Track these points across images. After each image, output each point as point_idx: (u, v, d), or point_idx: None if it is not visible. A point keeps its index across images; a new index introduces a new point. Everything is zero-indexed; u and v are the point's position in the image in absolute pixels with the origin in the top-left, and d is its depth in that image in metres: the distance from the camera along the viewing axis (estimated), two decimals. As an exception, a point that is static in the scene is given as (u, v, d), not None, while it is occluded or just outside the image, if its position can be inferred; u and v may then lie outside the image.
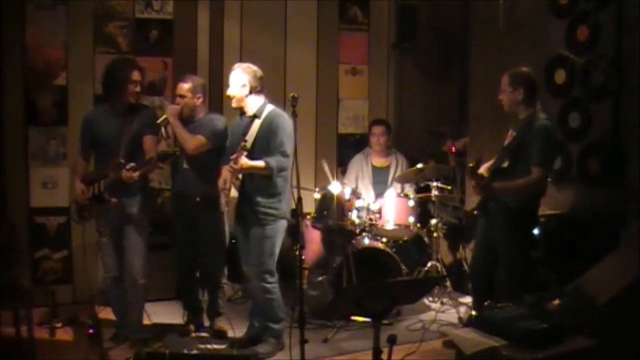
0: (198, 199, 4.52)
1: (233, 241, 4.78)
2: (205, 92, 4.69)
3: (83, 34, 5.31)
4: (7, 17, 5.07)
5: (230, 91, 4.26)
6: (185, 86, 4.55)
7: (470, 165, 4.27)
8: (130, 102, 4.27)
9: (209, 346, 4.39)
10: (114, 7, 5.38)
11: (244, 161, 4.05)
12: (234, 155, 4.08)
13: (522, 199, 4.08)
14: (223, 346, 4.45)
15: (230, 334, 4.53)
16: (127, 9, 5.42)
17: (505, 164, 4.12)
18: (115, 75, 4.28)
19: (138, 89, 4.29)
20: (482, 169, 4.30)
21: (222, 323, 4.73)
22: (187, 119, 4.56)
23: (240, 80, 4.22)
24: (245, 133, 4.24)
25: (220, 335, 4.62)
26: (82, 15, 5.29)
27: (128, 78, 4.23)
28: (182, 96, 4.55)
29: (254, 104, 4.27)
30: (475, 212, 4.41)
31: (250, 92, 4.23)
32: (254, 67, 4.28)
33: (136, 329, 4.42)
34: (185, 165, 4.51)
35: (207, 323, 4.81)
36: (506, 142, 4.20)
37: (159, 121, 4.42)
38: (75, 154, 4.62)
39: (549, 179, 4.87)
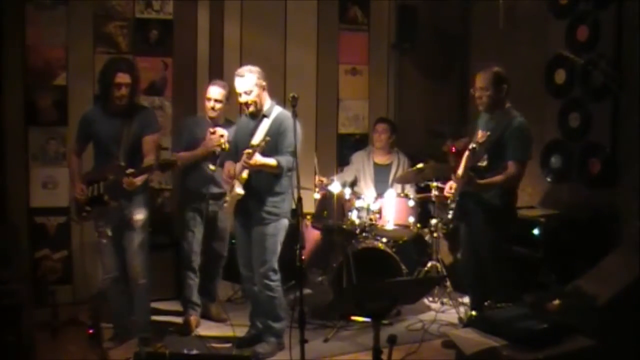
0: (226, 197, 4.61)
1: (233, 241, 4.80)
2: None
3: (83, 34, 5.31)
4: (7, 17, 5.07)
5: (247, 97, 4.21)
6: (223, 92, 4.70)
7: (473, 146, 4.23)
8: (117, 104, 4.22)
9: (208, 345, 4.41)
10: (114, 7, 5.38)
11: (258, 158, 4.07)
12: (248, 151, 4.08)
13: (498, 198, 4.13)
14: (226, 345, 4.46)
15: (229, 323, 4.62)
16: (127, 9, 5.42)
17: (484, 163, 4.15)
18: (102, 78, 4.28)
19: (123, 91, 4.18)
20: (460, 170, 4.34)
21: (218, 309, 4.93)
22: (213, 123, 4.69)
23: (253, 82, 4.20)
24: (253, 133, 4.25)
25: (220, 320, 4.83)
26: (82, 15, 5.29)
27: (111, 81, 4.18)
28: (218, 100, 4.70)
29: (263, 102, 4.29)
30: (450, 217, 4.45)
31: (264, 90, 4.27)
32: (257, 67, 4.28)
33: (141, 327, 4.42)
34: (211, 167, 4.58)
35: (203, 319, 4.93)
36: (480, 141, 4.21)
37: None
38: (69, 150, 4.64)
39: (548, 179, 4.89)
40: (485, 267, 4.22)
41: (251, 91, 4.20)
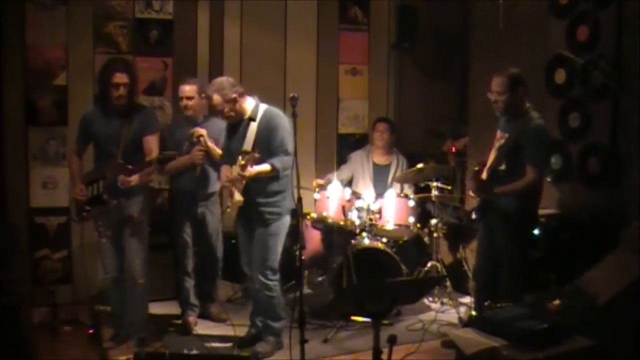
0: (212, 198, 4.75)
1: (233, 241, 4.80)
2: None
3: (83, 34, 5.31)
4: (7, 17, 5.06)
5: (221, 113, 4.22)
6: (193, 88, 4.67)
7: (475, 169, 4.23)
8: (116, 104, 4.23)
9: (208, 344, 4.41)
10: (114, 7, 5.38)
11: (251, 169, 4.07)
12: (242, 162, 4.06)
13: (519, 201, 4.07)
14: (227, 344, 4.46)
15: (229, 323, 4.60)
16: (127, 9, 5.42)
17: (503, 167, 4.11)
18: (100, 78, 4.30)
19: (121, 91, 4.19)
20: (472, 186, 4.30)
21: (218, 309, 4.89)
22: (190, 120, 4.70)
23: (220, 101, 4.15)
24: (243, 136, 4.23)
25: (220, 320, 4.79)
26: (82, 15, 5.29)
27: (109, 82, 4.19)
28: (189, 98, 4.66)
29: (246, 107, 4.25)
30: (473, 217, 4.40)
31: (236, 101, 4.18)
32: (221, 80, 4.24)
33: (138, 328, 4.42)
34: (202, 167, 4.60)
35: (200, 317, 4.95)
36: (498, 144, 4.18)
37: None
38: (70, 151, 4.65)
39: (548, 179, 4.89)
40: (499, 269, 4.18)
41: (222, 109, 4.18)
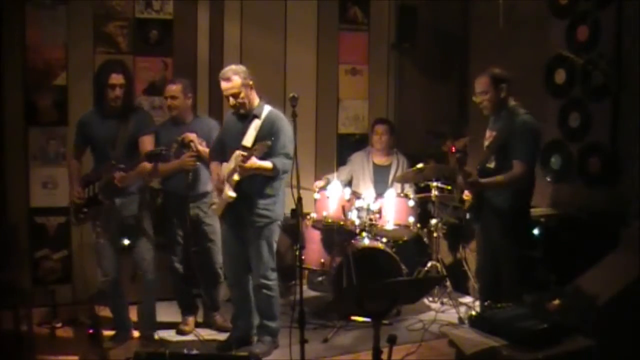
0: (205, 199, 4.65)
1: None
2: (194, 91, 4.81)
3: (83, 34, 5.31)
4: (7, 17, 5.07)
5: (235, 100, 4.13)
6: (178, 87, 4.61)
7: (457, 156, 4.18)
8: (112, 105, 4.23)
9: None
10: (114, 7, 5.39)
11: (254, 161, 4.01)
12: (243, 153, 4.00)
13: (511, 199, 4.06)
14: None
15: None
16: (127, 9, 5.42)
17: (492, 164, 4.11)
18: (97, 80, 4.31)
19: (117, 92, 4.19)
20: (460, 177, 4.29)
21: (222, 319, 4.82)
22: (178, 121, 4.64)
23: (240, 84, 4.11)
24: (243, 132, 4.20)
25: (224, 329, 4.70)
26: (82, 15, 5.29)
27: (106, 83, 4.19)
28: (173, 97, 4.60)
29: (253, 102, 4.22)
30: (468, 217, 4.40)
31: (252, 89, 4.18)
32: (238, 65, 4.21)
33: (150, 324, 4.45)
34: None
35: (201, 320, 4.93)
36: (487, 142, 4.18)
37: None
38: (68, 155, 4.66)
39: (548, 179, 4.89)
40: (500, 267, 4.18)
41: (239, 93, 4.12)
